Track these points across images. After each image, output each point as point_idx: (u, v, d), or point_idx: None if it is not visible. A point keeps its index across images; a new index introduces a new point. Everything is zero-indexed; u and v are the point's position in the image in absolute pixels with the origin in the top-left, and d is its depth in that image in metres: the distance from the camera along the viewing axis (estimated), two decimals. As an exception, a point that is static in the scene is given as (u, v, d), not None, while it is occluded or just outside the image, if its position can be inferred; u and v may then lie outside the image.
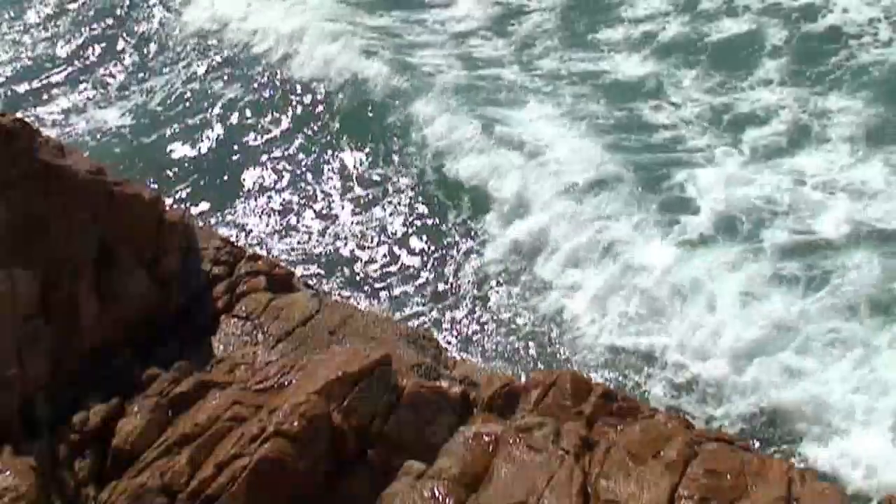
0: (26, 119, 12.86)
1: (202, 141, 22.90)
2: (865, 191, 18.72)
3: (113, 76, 25.88)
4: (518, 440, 11.07)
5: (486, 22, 25.85)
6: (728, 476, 10.43)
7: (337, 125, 22.84)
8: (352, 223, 20.19)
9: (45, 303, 12.18)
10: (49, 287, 12.19)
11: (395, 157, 21.64)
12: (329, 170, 21.66)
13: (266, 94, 24.25)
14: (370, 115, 22.95)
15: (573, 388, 11.83)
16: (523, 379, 13.16)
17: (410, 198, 20.54)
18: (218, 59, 25.94)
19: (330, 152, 22.09)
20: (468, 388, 12.46)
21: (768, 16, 23.98)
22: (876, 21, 23.26)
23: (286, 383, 11.75)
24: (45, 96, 25.23)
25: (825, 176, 19.23)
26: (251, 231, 20.27)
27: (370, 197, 20.76)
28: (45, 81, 25.83)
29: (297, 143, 22.52)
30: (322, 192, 21.07)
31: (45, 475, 10.92)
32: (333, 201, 20.82)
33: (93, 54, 26.77)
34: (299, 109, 23.53)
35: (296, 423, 10.75)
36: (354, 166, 21.63)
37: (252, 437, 10.80)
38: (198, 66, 25.76)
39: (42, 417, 11.82)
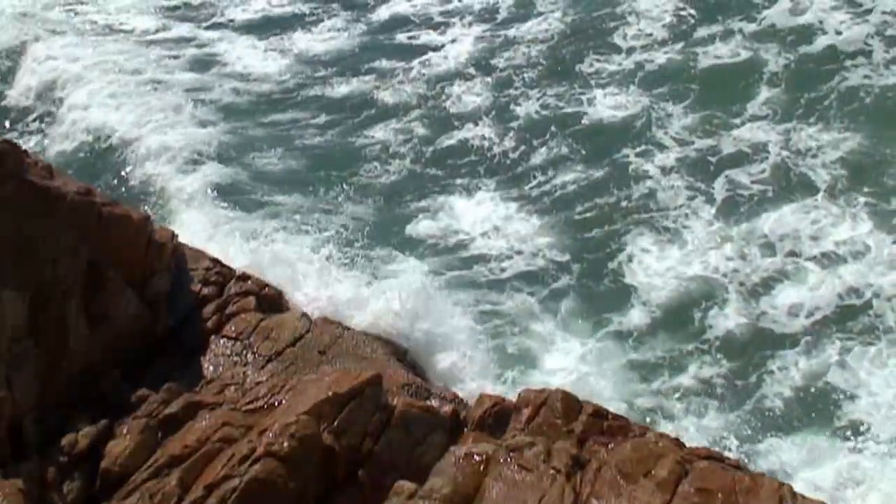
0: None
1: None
2: (841, 254, 17.44)
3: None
4: (509, 459, 11.05)
5: (474, 60, 24.98)
6: (719, 494, 10.40)
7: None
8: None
9: (33, 324, 12.12)
10: (38, 308, 12.14)
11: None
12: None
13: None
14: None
15: (563, 407, 11.82)
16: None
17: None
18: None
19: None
20: (458, 407, 12.47)
21: (763, 40, 23.64)
22: (869, 37, 23.06)
23: (276, 404, 11.72)
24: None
25: (799, 239, 17.90)
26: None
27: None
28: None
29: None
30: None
31: (33, 498, 10.82)
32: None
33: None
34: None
35: (286, 444, 10.70)
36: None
37: (242, 458, 10.74)
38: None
39: (31, 439, 11.75)
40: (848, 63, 22.42)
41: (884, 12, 23.60)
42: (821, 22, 23.83)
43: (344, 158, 21.70)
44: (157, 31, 28.19)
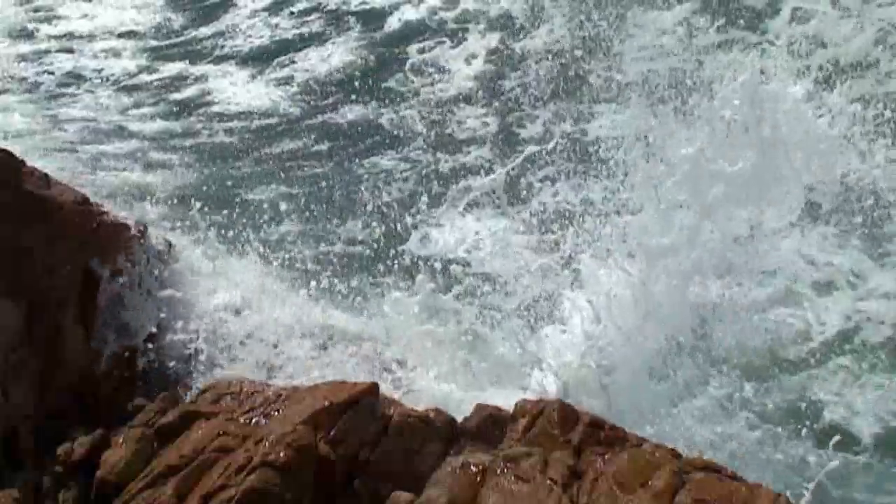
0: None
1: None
2: (836, 280, 17.23)
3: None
4: (506, 470, 10.99)
5: (484, 79, 24.41)
6: (716, 504, 10.34)
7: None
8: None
9: (29, 333, 12.12)
10: (34, 317, 12.14)
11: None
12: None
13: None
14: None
15: (560, 417, 11.73)
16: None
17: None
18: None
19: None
20: (455, 417, 12.39)
21: (767, 51, 23.66)
22: (873, 45, 23.01)
23: (273, 413, 11.68)
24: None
25: (797, 264, 17.64)
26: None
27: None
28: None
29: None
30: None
31: (28, 507, 10.85)
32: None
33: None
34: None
35: (282, 454, 10.65)
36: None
37: (238, 468, 10.70)
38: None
39: (26, 449, 11.74)
40: (852, 73, 22.39)
41: (880, 19, 23.56)
42: (822, 31, 23.79)
43: (339, 191, 20.67)
44: (138, 72, 26.40)
